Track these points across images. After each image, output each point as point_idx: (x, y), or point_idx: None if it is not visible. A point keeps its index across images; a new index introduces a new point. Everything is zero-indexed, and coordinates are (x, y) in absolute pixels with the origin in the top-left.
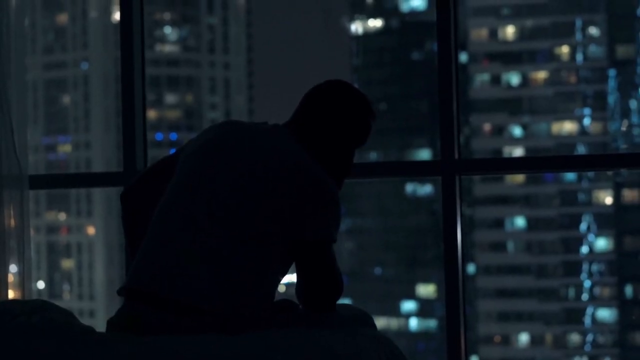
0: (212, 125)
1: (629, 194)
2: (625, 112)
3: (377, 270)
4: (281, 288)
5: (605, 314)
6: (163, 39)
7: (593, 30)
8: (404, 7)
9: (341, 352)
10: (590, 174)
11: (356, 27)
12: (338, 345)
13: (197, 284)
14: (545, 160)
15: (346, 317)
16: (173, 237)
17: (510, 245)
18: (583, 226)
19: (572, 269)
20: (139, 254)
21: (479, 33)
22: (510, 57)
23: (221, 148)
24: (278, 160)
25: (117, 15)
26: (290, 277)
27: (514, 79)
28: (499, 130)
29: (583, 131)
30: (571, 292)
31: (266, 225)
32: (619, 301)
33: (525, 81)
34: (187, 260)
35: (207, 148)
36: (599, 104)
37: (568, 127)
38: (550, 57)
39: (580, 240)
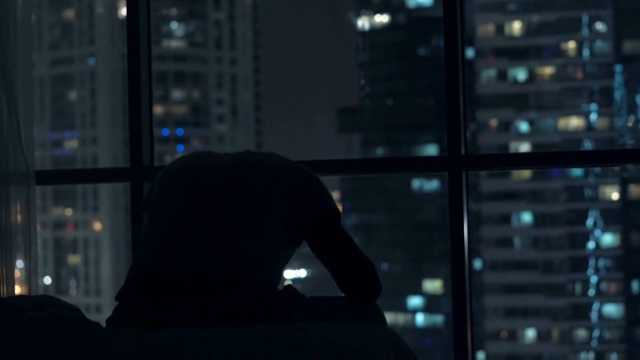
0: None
1: (635, 190)
2: (632, 108)
3: (384, 266)
4: (287, 284)
5: (611, 309)
6: (169, 35)
7: (600, 26)
8: (411, 3)
9: (349, 349)
10: (597, 169)
11: (362, 23)
12: (346, 341)
13: (224, 259)
14: (552, 156)
15: (354, 309)
16: (190, 223)
17: (517, 241)
18: (589, 222)
19: (579, 264)
20: (146, 247)
21: (485, 29)
22: (516, 52)
23: (206, 168)
24: (262, 161)
25: (123, 11)
26: (296, 273)
27: (521, 74)
28: (506, 126)
29: (589, 127)
30: (578, 288)
31: (280, 215)
32: (625, 297)
33: (532, 77)
34: (213, 238)
35: (193, 169)
36: (605, 99)
37: (574, 122)
38: (556, 53)
39: (586, 235)
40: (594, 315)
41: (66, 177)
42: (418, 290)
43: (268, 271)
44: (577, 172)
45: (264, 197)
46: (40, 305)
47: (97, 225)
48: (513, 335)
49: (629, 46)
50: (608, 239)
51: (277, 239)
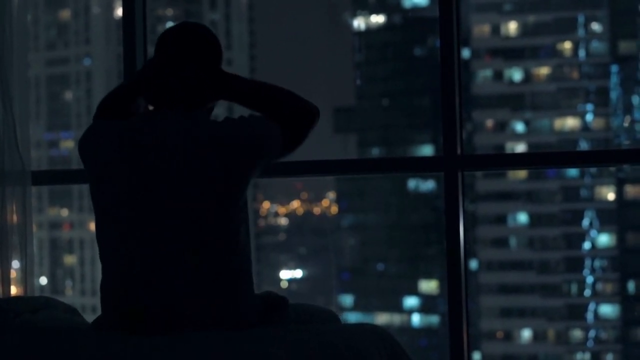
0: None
1: (631, 190)
2: (628, 108)
3: (380, 266)
4: (283, 284)
5: (607, 310)
6: None
7: (595, 26)
8: (407, 3)
9: (342, 347)
10: (593, 169)
11: (358, 23)
12: (340, 341)
13: (196, 292)
14: (548, 156)
15: (322, 316)
16: (148, 251)
17: (513, 241)
18: (585, 222)
19: (575, 264)
20: (111, 279)
21: (481, 29)
22: (512, 53)
23: (156, 163)
24: (215, 143)
25: (119, 11)
26: (292, 274)
27: (517, 74)
28: (502, 126)
29: (585, 127)
30: (573, 288)
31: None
32: (621, 297)
33: (528, 77)
34: (179, 268)
35: (135, 153)
36: (601, 99)
37: (570, 123)
38: (552, 53)
39: (582, 236)
40: (589, 316)
41: (62, 178)
42: (414, 291)
43: (244, 276)
44: (573, 172)
45: (223, 184)
46: (38, 307)
47: (93, 226)
48: (509, 336)
49: (624, 46)
50: (604, 239)
51: (243, 223)
